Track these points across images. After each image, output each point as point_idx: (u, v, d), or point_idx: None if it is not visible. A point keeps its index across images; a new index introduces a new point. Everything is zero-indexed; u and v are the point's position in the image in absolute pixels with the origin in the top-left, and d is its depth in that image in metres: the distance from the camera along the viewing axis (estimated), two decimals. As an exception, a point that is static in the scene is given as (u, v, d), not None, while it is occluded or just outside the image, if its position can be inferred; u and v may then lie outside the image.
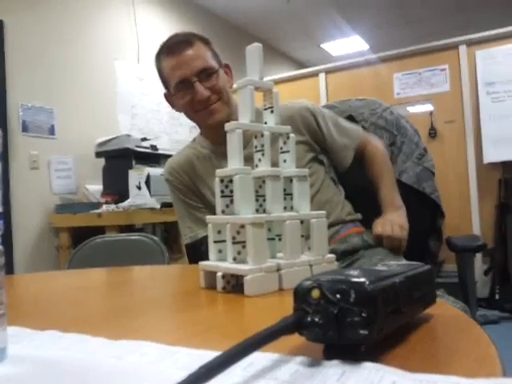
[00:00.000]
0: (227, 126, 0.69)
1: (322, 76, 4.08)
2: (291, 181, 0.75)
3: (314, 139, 1.36)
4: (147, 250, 1.73)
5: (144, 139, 3.29)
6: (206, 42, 1.26)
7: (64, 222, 3.07)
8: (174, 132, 3.93)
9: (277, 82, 4.38)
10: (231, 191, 0.70)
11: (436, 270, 1.50)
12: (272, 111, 0.73)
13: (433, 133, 3.50)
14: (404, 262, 0.48)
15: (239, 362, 0.31)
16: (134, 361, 0.38)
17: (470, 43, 3.43)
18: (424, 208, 1.49)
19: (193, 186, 1.39)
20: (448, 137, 3.49)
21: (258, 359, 0.35)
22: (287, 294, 0.65)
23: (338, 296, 0.35)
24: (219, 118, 1.25)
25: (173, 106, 1.36)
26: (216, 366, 0.28)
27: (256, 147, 0.72)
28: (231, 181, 0.69)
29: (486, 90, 3.36)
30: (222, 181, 0.69)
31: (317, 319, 0.34)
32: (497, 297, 3.11)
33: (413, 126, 1.60)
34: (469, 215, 3.33)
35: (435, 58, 3.55)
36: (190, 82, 1.22)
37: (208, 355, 0.38)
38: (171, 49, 1.22)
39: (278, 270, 0.66)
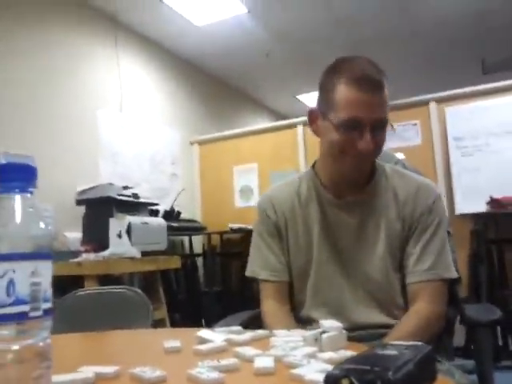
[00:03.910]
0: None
1: (299, 128, 4.17)
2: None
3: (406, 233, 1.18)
4: (130, 303, 1.73)
5: (126, 187, 3.31)
6: (387, 86, 1.11)
7: (42, 271, 3.01)
8: (155, 180, 3.97)
9: (255, 133, 4.49)
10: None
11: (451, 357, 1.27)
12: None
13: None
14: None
15: None
16: None
17: (440, 100, 3.64)
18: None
19: (282, 229, 1.27)
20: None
21: None
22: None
23: (366, 386, 0.39)
24: (362, 170, 1.16)
25: (313, 125, 1.21)
26: None
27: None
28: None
29: (456, 145, 3.54)
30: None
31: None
32: (472, 346, 3.16)
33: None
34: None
35: (406, 114, 3.73)
36: (361, 126, 1.08)
37: None
38: (359, 82, 1.07)
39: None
